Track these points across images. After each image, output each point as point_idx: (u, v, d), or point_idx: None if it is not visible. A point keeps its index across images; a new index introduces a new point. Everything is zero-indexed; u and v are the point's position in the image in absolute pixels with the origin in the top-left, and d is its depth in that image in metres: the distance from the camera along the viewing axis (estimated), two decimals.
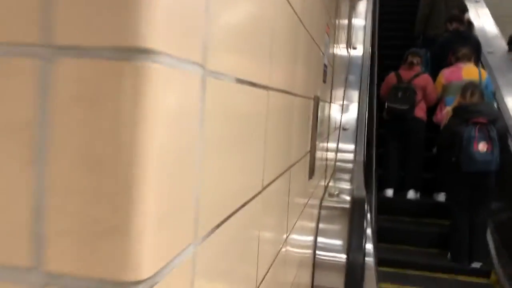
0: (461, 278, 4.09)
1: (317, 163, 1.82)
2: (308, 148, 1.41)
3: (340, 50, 2.90)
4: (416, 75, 4.96)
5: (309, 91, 1.38)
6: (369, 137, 3.99)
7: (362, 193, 1.77)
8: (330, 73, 2.09)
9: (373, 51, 4.98)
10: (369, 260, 1.63)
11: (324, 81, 1.76)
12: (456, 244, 4.19)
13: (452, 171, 4.13)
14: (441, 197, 4.86)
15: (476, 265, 4.10)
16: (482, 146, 3.92)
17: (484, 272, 4.09)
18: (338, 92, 2.85)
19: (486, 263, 4.12)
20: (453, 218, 4.20)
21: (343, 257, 1.61)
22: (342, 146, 2.99)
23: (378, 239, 4.32)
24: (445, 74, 4.96)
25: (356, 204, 1.68)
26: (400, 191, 4.97)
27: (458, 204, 4.14)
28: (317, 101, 1.48)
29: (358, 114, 3.42)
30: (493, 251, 4.18)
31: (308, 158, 1.41)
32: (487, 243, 4.25)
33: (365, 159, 2.91)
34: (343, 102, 3.41)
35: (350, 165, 2.73)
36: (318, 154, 1.80)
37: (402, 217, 4.86)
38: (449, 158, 4.10)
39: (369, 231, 1.66)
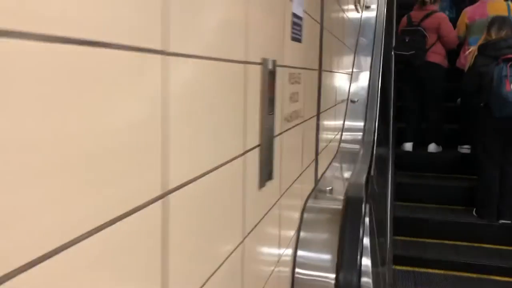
0: (487, 245, 3.57)
1: (299, 148, 1.32)
2: (255, 143, 0.90)
3: (344, 9, 2.28)
4: (428, 15, 4.21)
5: (244, 50, 0.83)
6: (387, 89, 3.36)
7: (359, 189, 1.26)
8: (314, 32, 1.52)
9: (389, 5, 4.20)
10: (366, 281, 1.16)
11: (298, 40, 1.22)
12: (484, 199, 3.65)
13: (480, 119, 3.53)
14: (466, 149, 4.28)
15: (506, 220, 3.57)
16: None
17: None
18: (340, 58, 2.23)
19: None
20: (482, 171, 3.64)
21: (330, 277, 1.14)
22: (348, 123, 2.38)
23: (396, 197, 3.80)
24: (468, 12, 4.26)
25: (350, 205, 1.18)
26: (422, 145, 4.40)
27: (488, 155, 3.56)
28: (270, 67, 0.95)
29: (369, 83, 2.74)
30: None
31: (256, 156, 0.91)
32: None
33: (375, 137, 2.29)
34: (352, 69, 2.75)
35: (356, 147, 2.15)
36: (302, 136, 1.29)
37: (423, 172, 4.31)
38: (476, 104, 3.48)
39: (366, 240, 1.18)
